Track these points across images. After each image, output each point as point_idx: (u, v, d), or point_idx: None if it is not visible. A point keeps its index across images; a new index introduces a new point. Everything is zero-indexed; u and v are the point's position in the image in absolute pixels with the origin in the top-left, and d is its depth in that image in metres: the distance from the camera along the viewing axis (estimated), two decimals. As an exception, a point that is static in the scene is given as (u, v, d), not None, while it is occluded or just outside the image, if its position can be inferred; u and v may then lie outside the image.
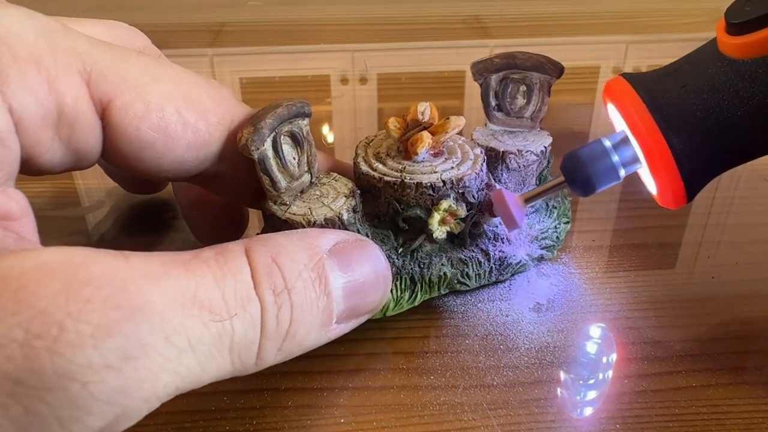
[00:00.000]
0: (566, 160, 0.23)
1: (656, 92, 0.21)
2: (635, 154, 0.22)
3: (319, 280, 0.18)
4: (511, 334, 0.25)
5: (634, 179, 0.35)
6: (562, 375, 0.23)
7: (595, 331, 0.25)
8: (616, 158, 0.22)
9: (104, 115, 0.20)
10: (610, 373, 0.23)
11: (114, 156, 0.21)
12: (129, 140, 0.21)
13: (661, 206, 0.23)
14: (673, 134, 0.20)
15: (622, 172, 0.22)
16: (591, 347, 0.25)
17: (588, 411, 0.22)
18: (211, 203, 0.28)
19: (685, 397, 0.22)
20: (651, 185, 0.23)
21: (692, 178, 0.21)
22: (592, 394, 0.23)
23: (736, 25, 0.19)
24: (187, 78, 0.22)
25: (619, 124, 0.23)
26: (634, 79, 0.22)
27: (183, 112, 0.21)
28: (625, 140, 0.22)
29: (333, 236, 0.20)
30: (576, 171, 0.22)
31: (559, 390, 0.23)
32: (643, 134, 0.21)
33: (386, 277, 0.21)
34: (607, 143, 0.22)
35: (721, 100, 0.20)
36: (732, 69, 0.20)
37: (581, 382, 0.23)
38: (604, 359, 0.24)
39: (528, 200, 0.24)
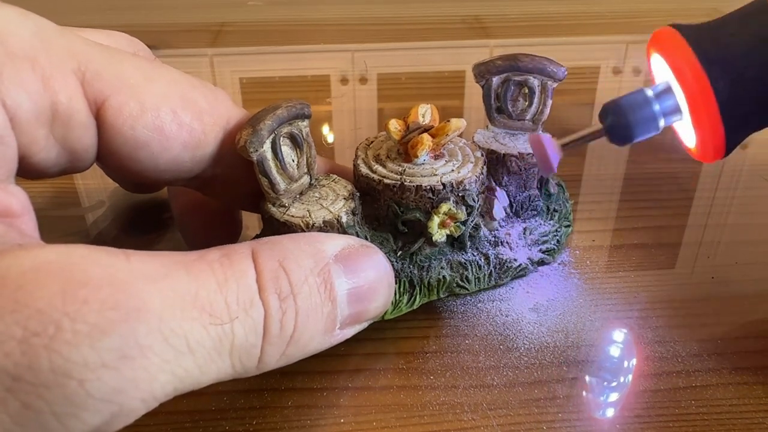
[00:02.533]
0: (606, 108, 0.22)
1: (704, 39, 0.21)
2: (677, 105, 0.22)
3: (325, 285, 0.18)
4: (511, 334, 0.25)
5: (634, 180, 0.35)
6: (563, 376, 0.23)
7: (595, 331, 0.25)
8: (657, 107, 0.22)
9: (99, 115, 0.20)
10: (611, 373, 0.23)
11: (110, 157, 0.21)
12: (124, 140, 0.21)
13: (697, 160, 0.23)
14: (719, 81, 0.20)
15: (662, 123, 0.22)
16: (591, 347, 0.25)
17: (588, 411, 0.22)
18: (204, 209, 0.28)
19: (685, 397, 0.22)
20: (688, 138, 0.23)
21: (734, 128, 0.21)
22: (591, 394, 0.23)
23: None
24: (183, 79, 0.22)
25: (661, 77, 0.23)
26: (683, 28, 0.22)
27: (178, 112, 0.21)
28: (668, 90, 0.22)
29: (339, 241, 0.20)
30: (615, 118, 0.22)
31: (559, 391, 0.23)
32: (689, 79, 0.21)
33: (390, 283, 0.21)
34: (649, 92, 0.22)
35: None
36: None
37: (582, 382, 0.23)
38: (604, 359, 0.24)
39: (565, 146, 0.24)
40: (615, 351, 0.24)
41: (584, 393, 0.23)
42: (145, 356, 0.15)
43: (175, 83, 0.21)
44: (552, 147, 0.23)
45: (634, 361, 0.24)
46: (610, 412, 0.22)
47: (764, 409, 0.22)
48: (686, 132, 0.23)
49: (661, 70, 0.23)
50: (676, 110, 0.22)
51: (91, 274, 0.15)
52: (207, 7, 0.66)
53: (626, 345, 0.25)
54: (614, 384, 0.23)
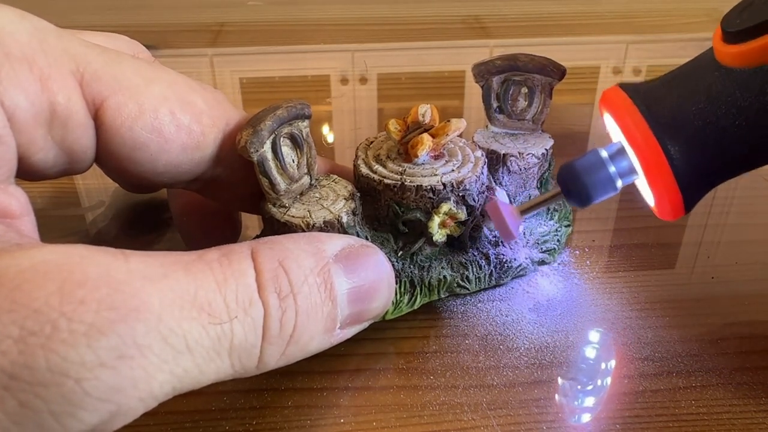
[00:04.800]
0: (562, 172, 0.23)
1: (653, 101, 0.21)
2: (632, 165, 0.22)
3: (325, 285, 0.19)
4: (511, 334, 0.25)
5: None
6: (563, 376, 0.23)
7: (595, 331, 0.25)
8: (612, 169, 0.22)
9: (97, 116, 0.20)
10: (610, 373, 0.23)
11: (108, 158, 0.21)
12: (122, 141, 0.21)
13: (660, 218, 0.23)
14: (670, 143, 0.20)
15: (620, 183, 0.22)
16: (591, 348, 0.25)
17: (588, 411, 0.22)
18: (203, 210, 0.28)
19: (685, 397, 0.22)
20: (649, 197, 0.23)
21: (690, 189, 0.21)
22: (592, 395, 0.23)
23: (732, 33, 0.19)
24: (181, 81, 0.22)
25: (616, 135, 0.22)
26: (631, 88, 0.22)
27: (177, 114, 0.21)
28: (621, 150, 0.22)
29: (339, 241, 0.20)
30: (572, 182, 0.22)
31: (559, 390, 0.23)
32: (640, 143, 0.21)
33: (390, 283, 0.21)
34: (604, 154, 0.22)
35: (719, 109, 0.20)
36: (729, 78, 0.20)
37: (582, 382, 0.23)
38: (604, 360, 0.24)
39: (524, 212, 0.24)
40: (615, 351, 0.24)
41: (584, 393, 0.23)
42: (143, 356, 0.15)
43: (174, 85, 0.22)
44: (510, 214, 0.23)
45: (633, 362, 0.24)
46: (609, 412, 0.22)
47: (764, 409, 0.22)
48: (646, 190, 0.23)
49: (615, 129, 0.22)
50: (633, 171, 0.22)
51: (88, 274, 0.15)
52: (207, 7, 0.66)
53: (626, 345, 0.25)
54: (614, 384, 0.23)
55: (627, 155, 0.22)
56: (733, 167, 0.21)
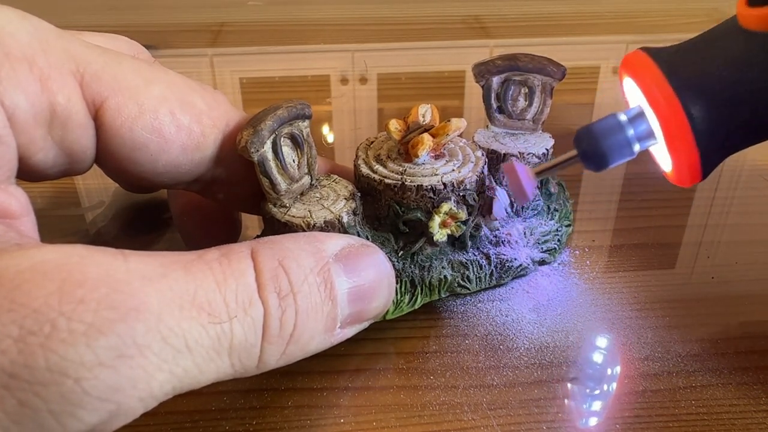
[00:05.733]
0: (579, 134, 0.22)
1: (675, 64, 0.21)
2: (651, 129, 0.22)
3: (325, 284, 0.19)
4: (511, 334, 0.25)
5: (634, 180, 0.35)
6: (563, 376, 0.23)
7: (595, 331, 0.25)
8: (630, 132, 0.22)
9: (97, 116, 0.20)
10: (610, 373, 0.23)
11: (108, 159, 0.21)
12: (122, 141, 0.21)
13: (674, 184, 0.23)
14: (692, 105, 0.20)
15: (637, 147, 0.22)
16: (591, 348, 0.25)
17: (588, 411, 0.22)
18: (203, 210, 0.28)
19: (685, 397, 0.22)
20: (664, 163, 0.23)
21: (709, 152, 0.21)
22: (592, 395, 0.23)
23: None
24: (181, 82, 0.22)
25: (635, 100, 0.22)
26: (653, 51, 0.21)
27: (177, 114, 0.21)
28: (640, 115, 0.22)
29: (339, 241, 0.20)
30: (590, 145, 0.22)
31: (559, 390, 0.23)
32: (661, 104, 0.20)
33: (391, 283, 0.21)
34: (623, 117, 0.22)
35: (742, 73, 0.20)
36: (753, 42, 0.20)
37: (582, 382, 0.23)
38: (604, 360, 0.24)
39: (539, 173, 0.24)
40: (615, 351, 0.24)
41: (584, 393, 0.23)
42: (143, 355, 0.15)
43: (174, 85, 0.22)
44: (526, 175, 0.23)
45: (633, 362, 0.24)
46: (609, 412, 0.22)
47: (764, 409, 0.22)
48: (662, 156, 0.23)
49: (634, 95, 0.22)
50: (651, 135, 0.22)
51: (88, 274, 0.15)
52: (207, 7, 0.66)
53: (626, 345, 0.25)
54: (614, 384, 0.23)
55: (646, 119, 0.22)
56: (755, 131, 0.21)
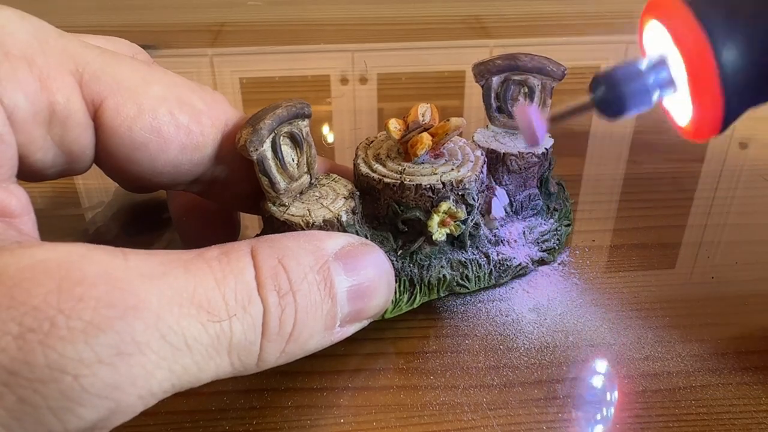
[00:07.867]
0: (597, 79, 0.21)
1: (704, 5, 0.20)
2: (671, 77, 0.21)
3: (325, 283, 0.19)
4: (511, 334, 0.25)
5: (634, 180, 0.35)
6: (563, 376, 0.23)
7: (595, 331, 0.25)
8: (651, 80, 0.21)
9: (96, 116, 0.20)
10: (610, 373, 0.23)
11: (107, 159, 0.21)
12: (121, 141, 0.21)
13: (689, 139, 0.22)
14: (722, 43, 0.19)
15: (656, 96, 0.21)
16: (591, 348, 0.25)
17: (588, 411, 0.22)
18: (202, 211, 0.28)
19: (685, 397, 0.22)
20: (680, 116, 0.22)
21: (735, 98, 0.20)
22: (592, 395, 0.23)
23: None
24: (180, 82, 0.22)
25: (655, 49, 0.22)
26: None
27: (176, 114, 0.21)
28: (660, 63, 0.21)
29: (339, 239, 0.20)
30: (607, 90, 0.21)
31: (559, 390, 0.23)
32: (687, 40, 0.20)
33: (390, 281, 0.21)
34: (643, 63, 0.21)
35: None
36: None
37: (582, 382, 0.23)
38: (604, 360, 0.24)
39: (552, 120, 0.23)
40: (614, 351, 0.24)
41: (584, 393, 0.23)
42: (142, 353, 0.15)
43: (173, 86, 0.22)
44: (539, 119, 0.22)
45: (633, 362, 0.24)
46: (609, 413, 0.22)
47: (764, 409, 0.22)
48: (678, 108, 0.22)
49: (654, 43, 0.22)
50: (671, 83, 0.21)
51: (87, 272, 0.15)
52: (207, 7, 0.66)
53: (626, 345, 0.25)
54: (614, 384, 0.23)
55: (666, 66, 0.21)
56: None
